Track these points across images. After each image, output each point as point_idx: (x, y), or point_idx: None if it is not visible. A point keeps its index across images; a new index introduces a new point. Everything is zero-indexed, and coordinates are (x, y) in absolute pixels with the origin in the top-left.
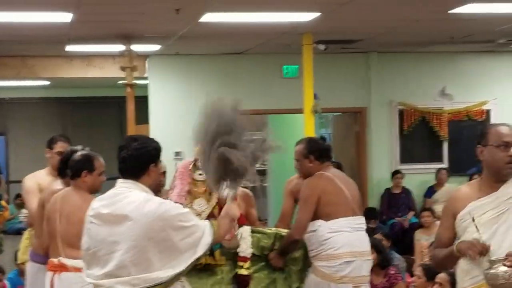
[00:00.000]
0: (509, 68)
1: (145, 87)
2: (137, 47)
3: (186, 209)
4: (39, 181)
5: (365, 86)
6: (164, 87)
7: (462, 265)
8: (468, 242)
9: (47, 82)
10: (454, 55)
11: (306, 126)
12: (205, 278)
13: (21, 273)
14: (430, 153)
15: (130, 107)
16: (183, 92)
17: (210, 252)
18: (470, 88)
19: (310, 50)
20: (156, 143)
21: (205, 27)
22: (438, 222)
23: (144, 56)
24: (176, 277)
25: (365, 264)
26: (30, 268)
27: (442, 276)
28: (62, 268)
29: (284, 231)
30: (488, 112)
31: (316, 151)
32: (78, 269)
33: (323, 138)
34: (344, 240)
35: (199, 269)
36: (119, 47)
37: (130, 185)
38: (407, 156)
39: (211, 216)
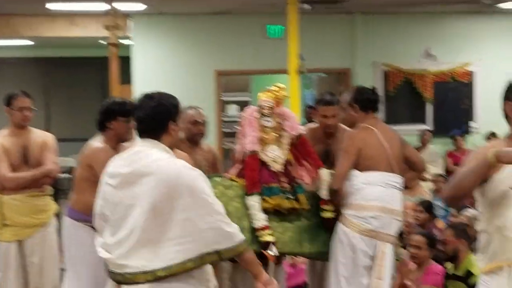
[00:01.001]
0: (494, 29)
1: (127, 47)
2: (121, 6)
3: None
4: (2, 142)
5: (349, 47)
6: (148, 47)
7: (501, 221)
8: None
9: (30, 42)
10: (439, 16)
11: (290, 87)
12: (288, 223)
13: None
14: (414, 114)
15: (114, 67)
16: (166, 52)
17: (294, 196)
18: (454, 49)
19: (295, 10)
20: (174, 98)
21: None
22: (422, 183)
23: (128, 15)
24: (186, 265)
25: (394, 223)
26: (68, 224)
27: (418, 239)
28: None
29: None
30: (473, 73)
31: (361, 101)
32: None
33: (373, 89)
34: (376, 194)
35: (284, 214)
36: (102, 6)
37: (149, 143)
38: (391, 117)
39: (287, 164)
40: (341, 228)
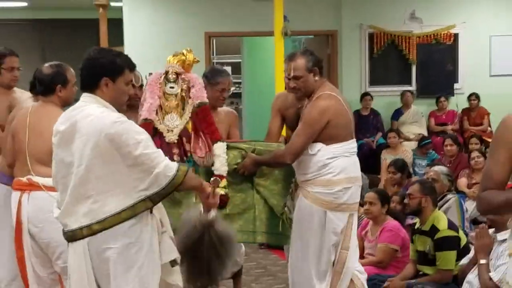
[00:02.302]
0: None
1: (120, 9)
2: None
3: (145, 136)
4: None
5: (336, 9)
6: (138, 9)
7: None
8: None
9: (25, 3)
10: None
11: (276, 49)
12: (177, 203)
13: None
14: (399, 76)
15: (103, 29)
16: (157, 14)
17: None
18: (438, 12)
19: None
20: (115, 56)
21: None
22: (405, 142)
23: None
24: (121, 215)
25: (358, 190)
26: None
27: (370, 195)
28: (32, 186)
29: (261, 145)
30: (456, 35)
31: (317, 62)
32: (50, 188)
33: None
34: (342, 165)
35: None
36: None
37: (88, 99)
38: (376, 78)
39: (184, 133)
40: (306, 206)
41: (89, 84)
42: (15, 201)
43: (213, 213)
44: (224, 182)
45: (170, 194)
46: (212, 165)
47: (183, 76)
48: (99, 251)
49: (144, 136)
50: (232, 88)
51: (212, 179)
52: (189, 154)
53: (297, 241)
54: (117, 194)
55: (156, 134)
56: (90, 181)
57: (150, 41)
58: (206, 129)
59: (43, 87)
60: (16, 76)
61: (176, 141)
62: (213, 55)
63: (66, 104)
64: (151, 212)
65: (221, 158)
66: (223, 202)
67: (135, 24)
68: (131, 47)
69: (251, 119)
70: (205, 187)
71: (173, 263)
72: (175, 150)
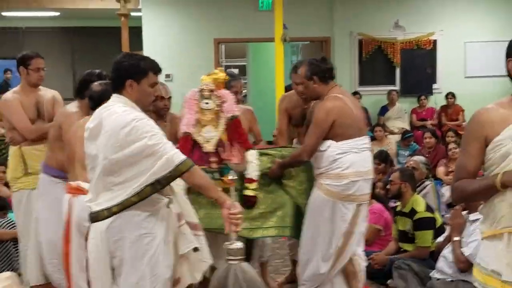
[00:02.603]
0: (453, 5)
1: (139, 18)
2: None
3: (159, 131)
4: (19, 98)
5: (329, 18)
6: (156, 18)
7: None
8: None
9: (56, 13)
10: None
11: (276, 53)
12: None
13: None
14: (385, 77)
15: (125, 36)
16: (172, 23)
17: (221, 175)
18: (419, 21)
19: None
20: (139, 60)
21: None
22: (389, 136)
23: None
24: (131, 199)
25: (367, 183)
26: (42, 179)
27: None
28: (80, 191)
29: (287, 150)
30: (435, 42)
31: (318, 72)
32: None
33: (324, 59)
34: (351, 160)
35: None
36: None
37: (116, 99)
38: (365, 79)
39: (220, 143)
40: (318, 196)
41: (116, 86)
42: (65, 202)
43: (235, 242)
44: (254, 185)
45: (176, 178)
46: (245, 170)
47: (215, 92)
48: (115, 239)
49: (158, 131)
50: (244, 91)
51: (229, 177)
52: (225, 162)
53: (309, 227)
54: (133, 182)
55: (195, 145)
56: (113, 172)
57: (166, 46)
58: (238, 139)
59: (93, 103)
60: (42, 76)
61: (213, 151)
62: (221, 58)
63: None
64: (168, 205)
65: (252, 164)
66: (252, 202)
67: (152, 31)
68: (149, 52)
69: (256, 115)
70: (217, 191)
71: (194, 249)
72: (213, 159)
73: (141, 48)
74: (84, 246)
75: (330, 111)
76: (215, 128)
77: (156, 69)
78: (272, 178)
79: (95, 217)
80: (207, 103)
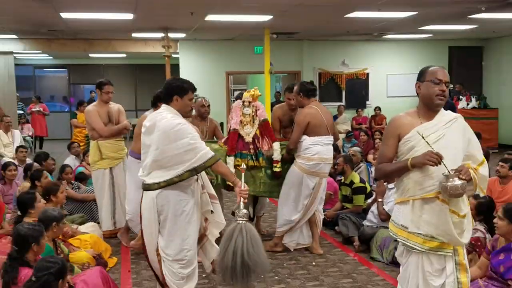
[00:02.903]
0: (379, 49)
1: (177, 58)
2: (172, 35)
3: (196, 134)
4: (97, 109)
5: (300, 58)
6: (188, 59)
7: (415, 177)
8: (423, 154)
9: (124, 55)
10: (350, 41)
11: (265, 82)
12: (252, 176)
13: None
14: (335, 96)
15: (168, 70)
16: (199, 62)
17: (256, 157)
18: (358, 60)
19: (268, 38)
20: (183, 83)
21: (208, 23)
22: (339, 135)
23: (176, 40)
24: (173, 179)
25: (327, 165)
26: (129, 160)
27: None
28: None
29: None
30: (368, 74)
31: (304, 91)
32: None
33: (311, 82)
34: (317, 150)
35: (248, 169)
36: (161, 34)
37: (165, 108)
38: (323, 98)
39: (255, 137)
40: (294, 171)
41: (166, 99)
42: None
43: (243, 209)
44: (279, 164)
45: (207, 168)
46: (272, 155)
47: (253, 103)
48: (163, 203)
49: (196, 133)
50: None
51: (241, 166)
52: (259, 149)
53: (285, 189)
54: (177, 167)
55: (239, 138)
56: (162, 158)
57: (195, 76)
58: (267, 134)
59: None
60: (110, 97)
61: (250, 141)
62: (230, 84)
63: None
64: (197, 180)
65: (277, 151)
66: (279, 175)
67: (185, 67)
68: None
69: None
70: (233, 176)
71: (211, 211)
72: (251, 146)
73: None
74: None
75: (306, 116)
76: (252, 126)
77: (194, 89)
78: (285, 161)
79: (148, 187)
80: (247, 110)
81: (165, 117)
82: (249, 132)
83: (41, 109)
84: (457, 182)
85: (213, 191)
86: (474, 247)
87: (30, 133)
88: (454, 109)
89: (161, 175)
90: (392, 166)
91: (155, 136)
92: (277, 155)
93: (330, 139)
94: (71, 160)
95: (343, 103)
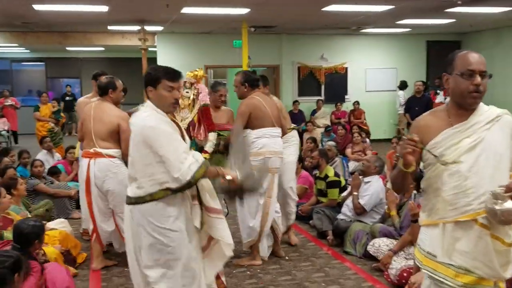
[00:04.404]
0: (358, 44)
1: (155, 51)
2: (149, 28)
3: (176, 143)
4: (86, 101)
5: (279, 52)
6: (166, 52)
7: (444, 195)
8: (400, 145)
9: (102, 48)
10: (329, 35)
11: None
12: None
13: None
14: (315, 90)
15: (144, 63)
16: (177, 55)
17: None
18: (337, 55)
19: (246, 31)
20: (151, 70)
21: (185, 16)
22: (317, 129)
23: (153, 33)
24: (145, 198)
25: (278, 159)
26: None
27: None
28: (97, 155)
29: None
30: (346, 68)
31: (249, 81)
32: (110, 156)
33: (254, 71)
34: (263, 143)
35: None
36: (138, 27)
37: (146, 104)
38: (302, 92)
39: (191, 123)
40: None
41: (146, 93)
42: (85, 164)
43: (227, 177)
44: (207, 156)
45: (191, 187)
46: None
47: (195, 85)
48: (138, 223)
49: (175, 142)
50: (228, 95)
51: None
52: (193, 138)
53: None
54: (150, 181)
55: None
56: (131, 168)
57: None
58: (205, 122)
59: (101, 91)
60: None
61: (185, 128)
62: (210, 78)
63: (115, 102)
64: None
65: (210, 143)
66: None
67: (163, 60)
68: None
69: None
70: (220, 172)
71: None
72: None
73: None
74: (101, 196)
75: (247, 106)
76: (190, 111)
77: (170, 76)
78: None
79: (127, 200)
80: (187, 92)
81: (139, 116)
82: (185, 117)
83: (13, 103)
84: (510, 204)
85: (212, 204)
86: None
87: (6, 128)
88: (430, 104)
89: (135, 188)
90: (394, 172)
91: (132, 138)
92: (209, 147)
93: (276, 131)
94: (42, 155)
95: (322, 97)
